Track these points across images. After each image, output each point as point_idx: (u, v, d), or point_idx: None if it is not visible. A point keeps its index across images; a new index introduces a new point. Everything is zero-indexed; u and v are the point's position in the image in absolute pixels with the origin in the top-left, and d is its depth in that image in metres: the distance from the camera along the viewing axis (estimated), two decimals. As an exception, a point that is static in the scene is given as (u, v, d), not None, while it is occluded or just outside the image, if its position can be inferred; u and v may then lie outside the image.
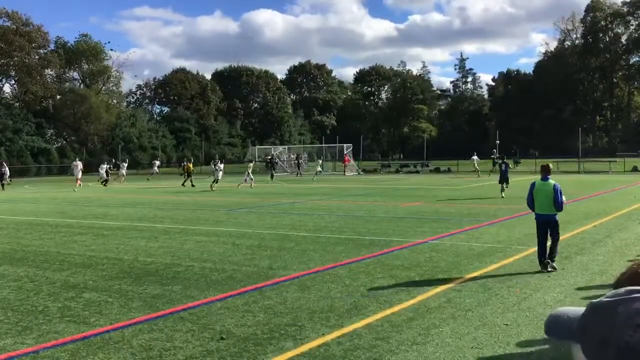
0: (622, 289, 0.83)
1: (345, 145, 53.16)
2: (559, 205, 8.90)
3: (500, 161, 24.02)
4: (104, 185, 36.21)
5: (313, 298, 7.40)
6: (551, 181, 9.08)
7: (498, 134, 57.87)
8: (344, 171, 48.81)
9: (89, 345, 5.75)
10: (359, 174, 50.49)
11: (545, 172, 9.21)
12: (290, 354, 5.45)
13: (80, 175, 34.17)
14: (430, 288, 7.82)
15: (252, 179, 31.79)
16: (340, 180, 39.81)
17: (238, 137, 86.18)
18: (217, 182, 30.81)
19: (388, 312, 6.72)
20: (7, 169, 37.33)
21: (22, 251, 11.50)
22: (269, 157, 48.24)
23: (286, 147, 63.63)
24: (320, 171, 45.90)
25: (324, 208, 19.59)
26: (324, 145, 62.53)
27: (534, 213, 9.23)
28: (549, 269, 8.68)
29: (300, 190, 29.18)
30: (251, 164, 35.34)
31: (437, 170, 50.59)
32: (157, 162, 46.88)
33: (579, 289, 7.80)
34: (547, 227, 9.00)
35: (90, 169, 67.95)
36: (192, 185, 33.60)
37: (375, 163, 61.93)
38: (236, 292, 7.81)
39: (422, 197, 23.58)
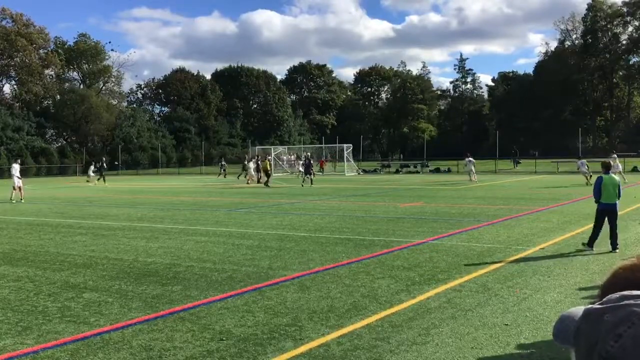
0: (617, 294, 0.82)
1: (345, 145, 53.12)
2: (620, 194, 10.78)
3: None
4: (263, 184, 34.24)
5: (313, 298, 7.40)
6: (613, 175, 10.94)
7: (498, 134, 57.86)
8: (322, 171, 49.36)
9: (88, 346, 5.75)
10: (358, 174, 50.51)
11: (608, 168, 11.04)
12: (290, 354, 5.44)
13: (20, 182, 24.82)
14: (430, 288, 7.82)
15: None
16: (340, 181, 39.80)
17: (238, 137, 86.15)
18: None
19: (388, 312, 6.72)
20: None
21: (22, 251, 11.50)
22: (305, 159, 39.88)
23: (286, 147, 63.60)
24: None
25: (324, 208, 19.58)
26: (323, 145, 62.50)
27: (600, 205, 10.66)
28: (616, 251, 10.25)
29: (299, 191, 29.18)
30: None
31: (437, 171, 50.57)
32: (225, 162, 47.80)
33: (580, 289, 7.80)
34: (610, 215, 10.52)
35: (88, 168, 68.20)
36: (267, 186, 32.27)
37: (375, 163, 61.93)
38: (236, 292, 7.80)
39: (422, 197, 23.58)
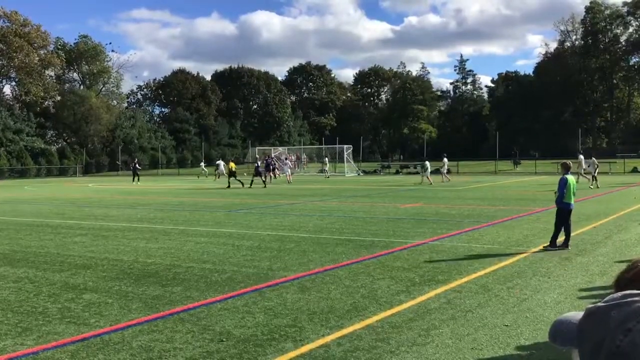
0: (619, 293, 0.82)
1: (345, 146, 53.10)
2: (575, 194, 11.23)
3: None
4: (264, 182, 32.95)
5: (313, 299, 7.40)
6: (572, 176, 11.27)
7: (498, 135, 57.87)
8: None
9: (88, 347, 5.75)
10: (358, 175, 50.50)
11: (568, 168, 11.43)
12: (290, 355, 5.44)
13: None
14: (430, 289, 7.82)
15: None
16: (340, 182, 39.80)
17: (238, 137, 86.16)
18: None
19: (388, 313, 6.71)
20: None
21: (22, 252, 11.50)
22: (267, 158, 38.90)
23: (286, 148, 63.59)
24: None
25: (324, 209, 19.58)
26: (323, 146, 62.49)
27: (563, 204, 10.80)
28: (569, 248, 10.49)
29: (299, 192, 29.19)
30: None
31: (437, 172, 50.54)
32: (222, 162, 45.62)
33: (580, 290, 7.80)
34: (569, 215, 10.77)
35: (90, 169, 68.23)
36: (228, 187, 31.96)
37: (376, 164, 61.92)
38: (236, 293, 7.80)
39: (422, 198, 23.58)
